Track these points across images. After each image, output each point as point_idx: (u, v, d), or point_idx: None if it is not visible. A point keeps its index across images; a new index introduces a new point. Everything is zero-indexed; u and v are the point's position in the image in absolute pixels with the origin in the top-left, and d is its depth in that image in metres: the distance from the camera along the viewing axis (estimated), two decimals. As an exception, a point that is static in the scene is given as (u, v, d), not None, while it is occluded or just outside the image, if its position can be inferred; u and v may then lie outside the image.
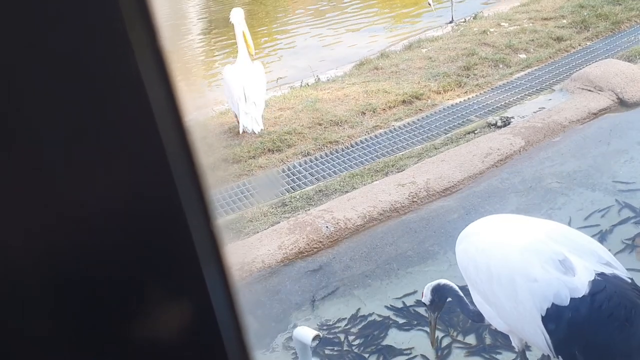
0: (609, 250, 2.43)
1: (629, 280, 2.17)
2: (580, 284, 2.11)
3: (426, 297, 2.74)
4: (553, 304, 2.12)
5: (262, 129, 5.38)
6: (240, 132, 5.42)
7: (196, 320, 0.43)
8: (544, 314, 2.14)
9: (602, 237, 3.54)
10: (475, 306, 2.60)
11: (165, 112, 0.38)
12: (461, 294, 2.70)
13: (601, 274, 2.13)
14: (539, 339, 2.21)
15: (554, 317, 2.13)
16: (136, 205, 0.39)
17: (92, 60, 0.36)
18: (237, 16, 5.39)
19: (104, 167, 0.38)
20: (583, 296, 2.09)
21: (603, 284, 2.10)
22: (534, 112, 5.28)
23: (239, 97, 5.27)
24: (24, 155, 0.37)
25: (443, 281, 2.73)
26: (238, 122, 5.49)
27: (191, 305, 0.42)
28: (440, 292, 2.72)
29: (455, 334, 3.09)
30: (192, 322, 0.42)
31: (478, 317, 2.62)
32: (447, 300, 2.77)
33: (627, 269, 2.29)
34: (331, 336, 3.20)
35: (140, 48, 0.37)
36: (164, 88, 0.38)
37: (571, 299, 2.10)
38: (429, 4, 9.10)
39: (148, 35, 0.37)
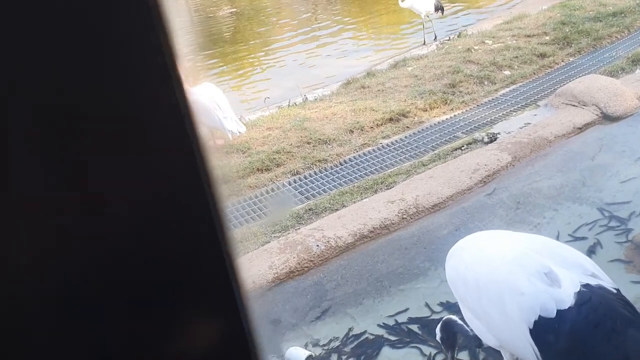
0: (598, 263, 2.45)
1: (615, 291, 2.18)
2: (566, 296, 2.11)
3: (437, 335, 2.72)
4: (540, 316, 2.13)
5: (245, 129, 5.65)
6: (230, 137, 5.54)
7: (227, 340, 0.42)
8: (531, 327, 2.15)
9: (590, 250, 3.56)
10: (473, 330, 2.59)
11: (187, 116, 0.38)
12: (462, 322, 2.66)
13: (586, 285, 2.14)
14: (528, 352, 2.20)
15: (541, 330, 2.13)
16: (165, 209, 0.39)
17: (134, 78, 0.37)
18: None
19: (136, 174, 0.38)
20: (569, 307, 2.09)
21: (588, 295, 2.11)
22: (520, 128, 5.33)
23: (214, 108, 5.47)
24: (64, 153, 0.37)
25: (447, 317, 2.69)
26: (215, 136, 5.67)
27: (222, 323, 0.41)
28: (447, 328, 2.68)
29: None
30: (221, 342, 0.41)
31: (477, 340, 2.60)
32: (458, 335, 2.71)
33: (616, 281, 2.30)
34: (324, 356, 3.18)
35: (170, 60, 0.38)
36: (182, 94, 0.38)
37: (557, 310, 2.10)
38: None
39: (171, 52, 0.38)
